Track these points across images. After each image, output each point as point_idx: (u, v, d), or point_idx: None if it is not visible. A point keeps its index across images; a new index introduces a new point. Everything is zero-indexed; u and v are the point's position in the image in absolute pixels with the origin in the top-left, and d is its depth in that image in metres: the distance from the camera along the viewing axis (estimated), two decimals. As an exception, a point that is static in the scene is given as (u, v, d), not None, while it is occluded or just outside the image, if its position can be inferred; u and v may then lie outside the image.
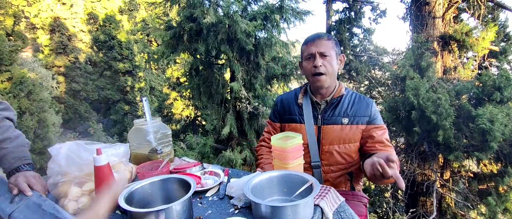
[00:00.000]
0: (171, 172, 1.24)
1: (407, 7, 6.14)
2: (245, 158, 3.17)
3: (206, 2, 2.98)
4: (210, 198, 1.10)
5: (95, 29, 22.09)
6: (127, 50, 20.50)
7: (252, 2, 3.45)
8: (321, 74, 1.30)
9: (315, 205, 1.01)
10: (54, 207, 0.96)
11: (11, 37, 14.78)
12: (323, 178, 1.38)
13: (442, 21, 5.53)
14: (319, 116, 1.37)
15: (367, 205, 1.36)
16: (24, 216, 0.98)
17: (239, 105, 3.31)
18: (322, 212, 1.02)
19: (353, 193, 1.34)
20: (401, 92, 5.52)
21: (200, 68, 3.52)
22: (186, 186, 0.96)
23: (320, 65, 1.30)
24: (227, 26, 2.96)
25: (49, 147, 1.08)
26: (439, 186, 5.53)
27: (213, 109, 3.38)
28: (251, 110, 3.21)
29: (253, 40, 3.29)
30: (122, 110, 20.54)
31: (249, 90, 3.36)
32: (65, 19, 22.38)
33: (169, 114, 17.21)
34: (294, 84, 4.31)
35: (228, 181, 1.22)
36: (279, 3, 3.19)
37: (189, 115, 15.57)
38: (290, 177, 1.06)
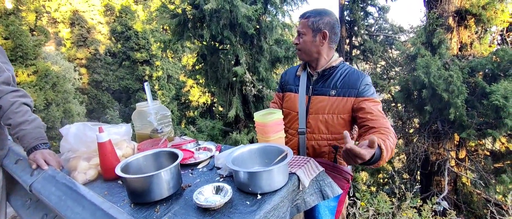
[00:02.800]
0: (169, 149, 1.38)
1: (421, -19, 5.89)
2: (251, 139, 3.30)
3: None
4: (200, 170, 1.24)
5: (113, 21, 22.61)
6: (143, 40, 20.93)
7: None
8: (298, 50, 1.48)
9: (292, 173, 1.11)
10: (66, 178, 1.13)
11: (34, 32, 15.47)
12: (306, 144, 1.46)
13: (458, -5, 5.29)
14: (311, 86, 1.47)
15: (350, 182, 1.44)
16: (42, 186, 1.17)
17: (244, 89, 3.41)
18: (299, 179, 1.13)
19: (336, 166, 1.40)
20: (413, 70, 5.41)
21: (206, 54, 3.64)
22: (175, 157, 1.09)
23: (296, 43, 1.47)
24: (229, 11, 3.03)
25: (60, 128, 1.24)
26: (453, 164, 5.47)
27: (220, 93, 3.51)
28: (255, 93, 3.31)
29: (255, 23, 3.34)
30: (141, 99, 21.17)
31: (254, 73, 3.44)
32: (83, 12, 23.00)
33: (187, 101, 17.62)
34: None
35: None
36: (280, -15, 3.21)
37: (205, 102, 15.88)
38: (268, 148, 1.17)
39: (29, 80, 9.03)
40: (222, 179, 1.14)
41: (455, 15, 5.38)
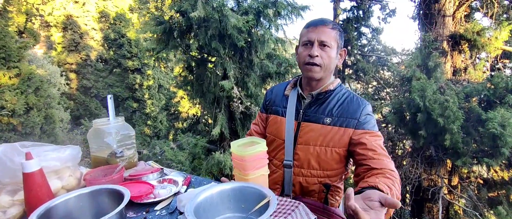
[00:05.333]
0: (125, 179, 1.12)
1: (416, 5, 5.88)
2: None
3: (196, -5, 2.85)
4: (158, 212, 0.97)
5: (107, 27, 22.40)
6: (136, 48, 20.72)
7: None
8: (315, 64, 1.16)
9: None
10: None
11: (23, 34, 15.10)
12: (292, 180, 1.23)
13: (453, 20, 5.27)
14: (301, 111, 1.23)
15: None
16: None
17: (231, 105, 3.19)
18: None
19: (326, 208, 1.12)
20: (408, 93, 5.30)
21: (193, 65, 3.41)
22: (120, 198, 0.83)
23: (316, 55, 1.15)
24: (219, 21, 2.84)
25: None
26: (446, 192, 5.29)
27: (206, 108, 3.27)
28: (243, 109, 3.08)
29: (246, 36, 3.15)
30: (130, 107, 20.76)
31: (242, 89, 3.23)
32: (77, 17, 22.76)
33: (176, 112, 17.26)
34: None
35: (185, 191, 1.09)
36: (274, -3, 3.05)
37: (195, 114, 15.57)
38: (246, 190, 0.91)
39: (10, 83, 8.64)
40: (185, 229, 0.88)
41: (449, 39, 5.34)
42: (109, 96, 1.38)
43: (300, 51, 1.22)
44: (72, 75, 21.24)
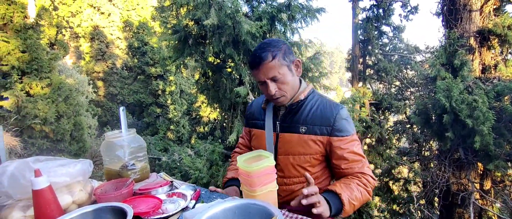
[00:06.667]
0: (134, 193, 1.14)
1: (439, 0, 5.62)
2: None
3: (209, 2, 2.87)
4: (164, 228, 0.96)
5: (130, 36, 23.26)
6: (158, 55, 21.34)
7: (262, 1, 3.30)
8: (278, 98, 1.19)
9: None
10: None
11: (55, 46, 16.01)
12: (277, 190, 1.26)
13: (480, 15, 4.98)
14: (278, 122, 1.26)
15: None
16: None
17: (247, 111, 3.18)
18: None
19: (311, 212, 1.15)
20: (433, 93, 5.06)
21: (208, 72, 3.45)
22: (124, 216, 0.83)
23: (275, 91, 1.17)
24: (232, 27, 2.85)
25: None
26: (478, 197, 4.98)
27: (223, 114, 3.29)
28: (259, 115, 3.07)
29: (261, 41, 3.14)
30: (154, 113, 21.36)
31: (258, 94, 3.21)
32: (103, 27, 23.84)
33: (198, 116, 17.56)
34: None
35: (194, 206, 1.07)
36: (287, 1, 3.01)
37: (216, 118, 15.76)
38: (252, 208, 0.88)
39: (42, 93, 9.16)
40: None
41: (477, 35, 5.05)
42: (121, 109, 1.41)
43: (260, 88, 1.25)
44: (99, 83, 22.23)
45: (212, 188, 1.25)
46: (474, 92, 4.23)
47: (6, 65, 8.38)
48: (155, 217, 0.97)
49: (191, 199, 1.09)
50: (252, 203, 0.88)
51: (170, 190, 1.17)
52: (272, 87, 1.16)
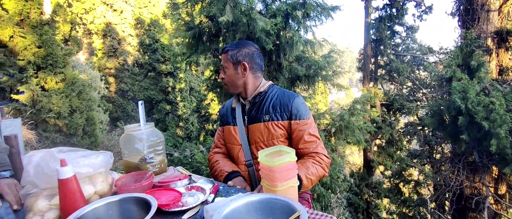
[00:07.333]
0: (154, 186, 1.15)
1: (455, 0, 5.50)
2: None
3: (224, -1, 2.86)
4: (184, 221, 0.96)
5: (142, 33, 23.52)
6: (169, 52, 21.52)
7: (276, -1, 3.28)
8: (224, 83, 1.48)
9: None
10: None
11: (69, 42, 16.31)
12: (257, 176, 1.44)
13: (499, 15, 4.86)
14: (246, 116, 1.46)
15: (310, 201, 1.46)
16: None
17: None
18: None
19: None
20: (447, 95, 4.96)
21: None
22: (148, 207, 0.85)
23: (222, 77, 1.46)
24: (247, 24, 2.85)
25: (25, 154, 1.04)
26: (492, 202, 4.87)
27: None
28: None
29: (275, 39, 3.12)
30: (164, 110, 21.56)
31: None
32: (115, 24, 24.18)
33: (207, 114, 17.65)
34: (319, 86, 4.03)
35: (213, 200, 1.08)
36: (302, -1, 2.98)
37: (225, 115, 15.80)
38: (275, 202, 0.88)
39: (57, 87, 9.35)
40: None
41: (494, 36, 4.93)
42: (140, 102, 1.43)
43: None
44: (111, 79, 22.54)
45: (230, 183, 1.32)
46: (491, 94, 4.12)
47: (23, 60, 8.59)
48: (175, 209, 0.97)
49: (210, 193, 1.09)
50: (275, 198, 0.88)
51: (189, 184, 1.18)
52: (221, 73, 1.47)
